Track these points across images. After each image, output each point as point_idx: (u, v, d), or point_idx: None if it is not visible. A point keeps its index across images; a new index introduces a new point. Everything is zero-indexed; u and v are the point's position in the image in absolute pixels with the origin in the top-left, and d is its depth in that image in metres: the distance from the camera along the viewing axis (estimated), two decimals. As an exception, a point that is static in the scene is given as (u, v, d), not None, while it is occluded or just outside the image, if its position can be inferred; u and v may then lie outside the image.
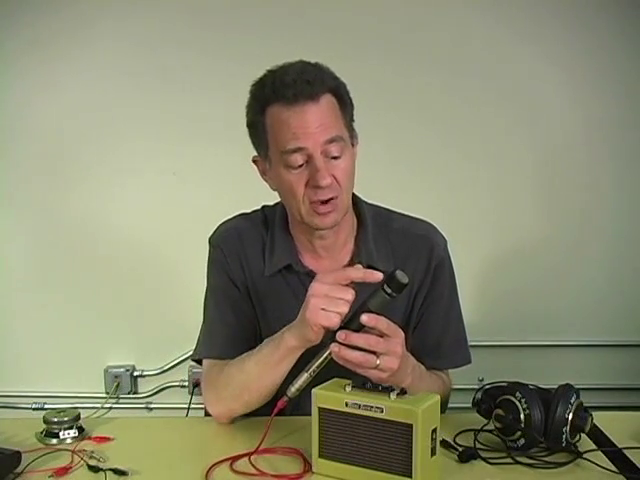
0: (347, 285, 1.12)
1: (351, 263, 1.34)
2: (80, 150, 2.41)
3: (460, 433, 1.22)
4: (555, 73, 2.36)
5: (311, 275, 1.31)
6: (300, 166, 1.23)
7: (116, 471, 1.12)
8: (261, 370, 1.24)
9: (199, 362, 1.40)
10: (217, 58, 2.34)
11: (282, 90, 1.20)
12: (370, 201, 1.43)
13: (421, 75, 2.35)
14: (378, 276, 1.11)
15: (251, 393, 1.27)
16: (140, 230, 2.43)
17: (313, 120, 1.20)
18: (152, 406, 2.56)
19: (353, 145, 1.30)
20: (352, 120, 1.30)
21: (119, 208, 2.44)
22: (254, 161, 1.33)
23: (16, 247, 2.46)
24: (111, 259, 2.45)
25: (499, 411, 1.17)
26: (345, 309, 1.10)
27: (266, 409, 1.23)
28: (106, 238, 2.44)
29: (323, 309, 1.11)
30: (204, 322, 1.41)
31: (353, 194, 1.39)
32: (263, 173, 1.32)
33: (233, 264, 1.38)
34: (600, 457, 1.15)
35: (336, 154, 1.23)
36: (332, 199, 1.24)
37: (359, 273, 1.13)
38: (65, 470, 1.13)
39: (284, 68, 1.24)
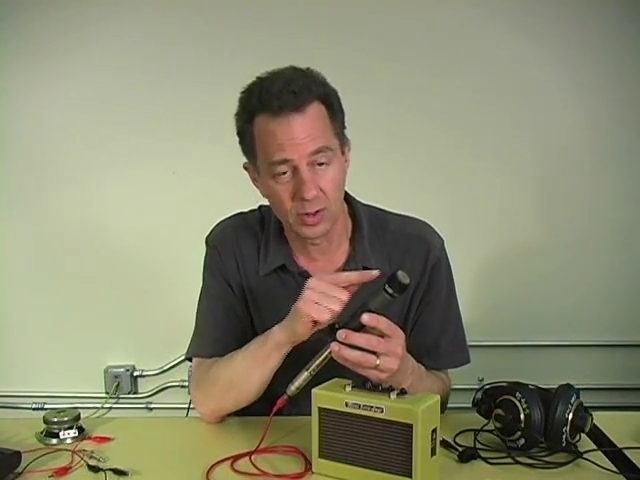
0: (345, 288, 1.13)
1: (346, 265, 1.34)
2: (79, 149, 2.40)
3: (460, 433, 1.22)
4: (556, 73, 2.36)
5: (305, 275, 1.31)
6: (286, 177, 1.23)
7: (116, 471, 1.12)
8: (248, 365, 1.25)
9: (192, 361, 1.41)
10: (217, 56, 2.33)
11: (268, 101, 1.20)
12: (367, 201, 1.43)
13: (422, 74, 2.35)
14: (373, 274, 1.12)
15: (239, 390, 1.27)
16: (140, 229, 2.43)
17: (299, 131, 1.19)
18: (152, 406, 2.56)
19: (343, 153, 1.28)
20: (343, 127, 1.29)
21: (119, 208, 2.43)
22: (245, 167, 1.33)
23: (15, 247, 2.46)
24: (111, 259, 2.45)
25: (499, 411, 1.17)
26: (338, 308, 1.11)
27: (265, 408, 1.23)
28: (106, 238, 2.44)
29: (317, 302, 1.12)
30: (197, 321, 1.42)
31: (348, 195, 1.39)
32: (254, 180, 1.32)
33: (229, 264, 1.39)
34: (600, 457, 1.15)
35: (323, 165, 1.22)
36: (320, 210, 1.24)
37: (355, 276, 1.14)
38: (65, 470, 1.13)
39: (271, 77, 1.23)
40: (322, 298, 1.12)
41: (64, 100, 2.39)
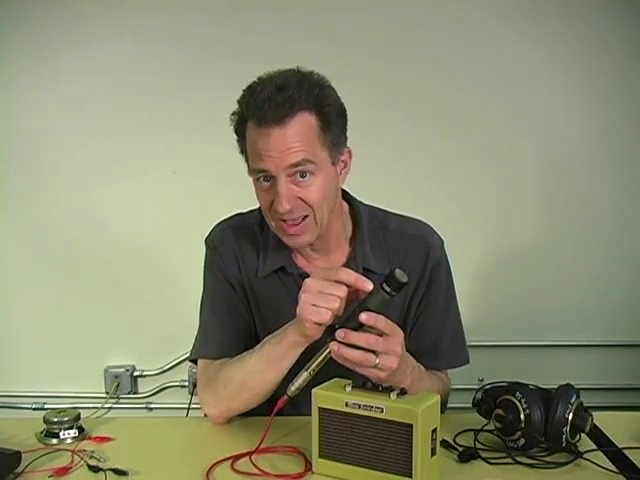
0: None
1: (346, 265, 1.34)
2: (79, 150, 2.40)
3: (460, 433, 1.23)
4: (557, 75, 2.36)
5: (305, 277, 1.31)
6: (268, 184, 1.23)
7: (116, 471, 1.12)
8: (263, 366, 1.24)
9: (196, 362, 1.40)
10: (218, 57, 2.33)
11: (253, 110, 1.20)
12: (368, 202, 1.43)
13: (422, 76, 2.35)
14: (368, 285, 1.10)
15: (252, 390, 1.26)
16: (140, 230, 2.43)
17: (278, 144, 1.19)
18: (152, 406, 2.56)
19: (334, 163, 1.26)
20: (341, 135, 1.27)
21: (119, 208, 2.43)
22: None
23: (16, 247, 2.46)
24: (111, 259, 2.45)
25: (499, 411, 1.17)
26: (336, 305, 1.10)
27: (265, 408, 1.23)
28: (106, 238, 2.44)
29: (314, 305, 1.11)
30: (200, 323, 1.42)
31: (349, 196, 1.40)
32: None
33: (229, 264, 1.38)
34: (600, 457, 1.15)
35: (306, 176, 1.22)
36: (304, 218, 1.24)
37: (351, 277, 1.12)
38: (65, 470, 1.13)
39: (264, 82, 1.22)
40: (319, 299, 1.11)
41: (64, 101, 2.38)
